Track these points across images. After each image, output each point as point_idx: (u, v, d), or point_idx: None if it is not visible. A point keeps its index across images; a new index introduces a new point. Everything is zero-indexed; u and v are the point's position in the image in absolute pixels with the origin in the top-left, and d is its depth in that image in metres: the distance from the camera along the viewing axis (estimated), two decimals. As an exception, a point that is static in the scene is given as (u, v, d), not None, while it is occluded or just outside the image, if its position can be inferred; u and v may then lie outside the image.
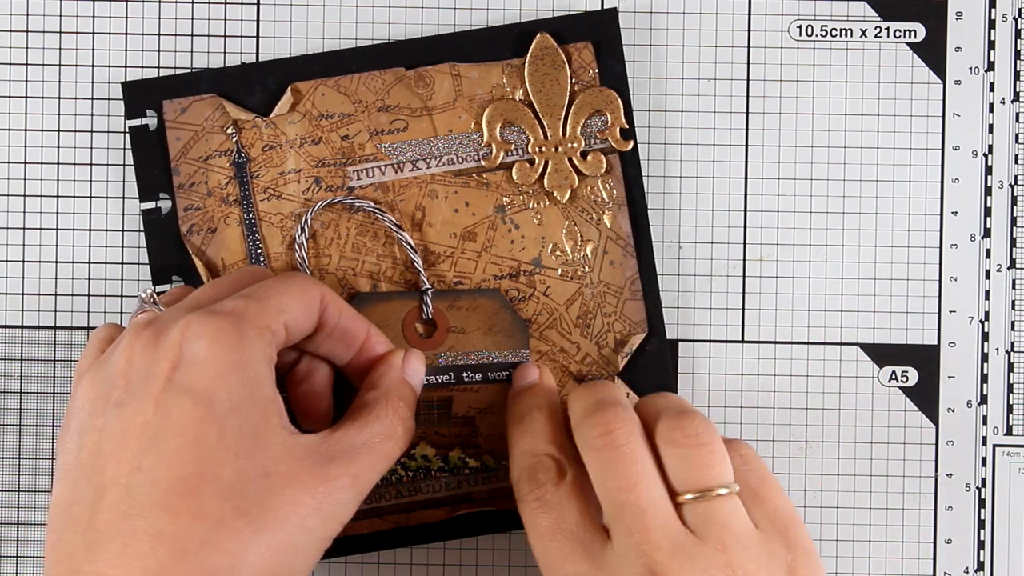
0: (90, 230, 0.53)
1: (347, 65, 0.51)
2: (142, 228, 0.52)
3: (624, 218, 0.51)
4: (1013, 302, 0.53)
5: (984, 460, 0.53)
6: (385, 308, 0.50)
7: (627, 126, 0.51)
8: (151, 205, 0.51)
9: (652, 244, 0.52)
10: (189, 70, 0.52)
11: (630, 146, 0.51)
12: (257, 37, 0.53)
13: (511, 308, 0.51)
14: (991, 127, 0.53)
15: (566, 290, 0.51)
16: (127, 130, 0.51)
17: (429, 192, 0.51)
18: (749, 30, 0.53)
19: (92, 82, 0.53)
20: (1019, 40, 0.53)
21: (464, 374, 0.50)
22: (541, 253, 0.51)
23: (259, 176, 0.51)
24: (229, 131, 0.51)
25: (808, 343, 0.53)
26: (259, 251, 0.51)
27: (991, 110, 0.53)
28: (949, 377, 0.53)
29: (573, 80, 0.51)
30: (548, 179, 0.51)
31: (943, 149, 0.53)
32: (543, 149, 0.51)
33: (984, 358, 0.53)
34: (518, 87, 0.51)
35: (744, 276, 0.53)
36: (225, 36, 0.53)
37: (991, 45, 0.53)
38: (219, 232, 0.51)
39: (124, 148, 0.53)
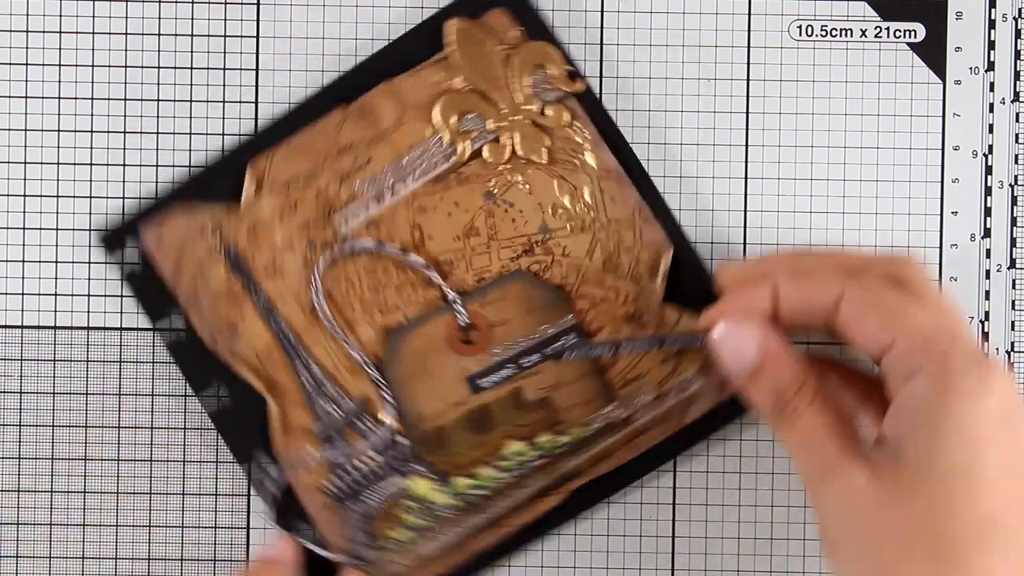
0: (90, 230, 0.53)
1: (291, 126, 0.51)
2: (171, 358, 0.51)
3: (605, 152, 0.51)
4: (1013, 302, 0.53)
5: (984, 460, 0.53)
6: (424, 332, 0.50)
7: (571, 68, 0.51)
8: (170, 334, 0.51)
9: (643, 168, 0.51)
10: (154, 198, 0.52)
11: (581, 86, 0.51)
12: (257, 37, 0.53)
13: (539, 282, 0.51)
14: (991, 127, 0.53)
15: (582, 243, 0.51)
16: (123, 277, 0.51)
17: (417, 209, 0.51)
18: (749, 30, 0.53)
19: (92, 82, 0.53)
20: (1019, 40, 0.53)
21: (522, 360, 0.50)
22: (544, 218, 0.51)
23: (255, 260, 0.51)
24: (210, 231, 0.51)
25: (808, 343, 0.53)
26: (284, 330, 0.51)
27: (991, 110, 0.53)
28: (949, 377, 0.53)
29: (501, 48, 0.51)
30: (520, 148, 0.51)
31: (943, 149, 0.53)
32: (503, 124, 0.51)
33: (984, 358, 0.53)
34: (455, 76, 0.51)
35: (744, 276, 0.53)
36: (225, 36, 0.53)
37: (991, 45, 0.53)
38: (241, 329, 0.51)
39: (124, 148, 0.53)
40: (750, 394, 0.45)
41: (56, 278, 0.53)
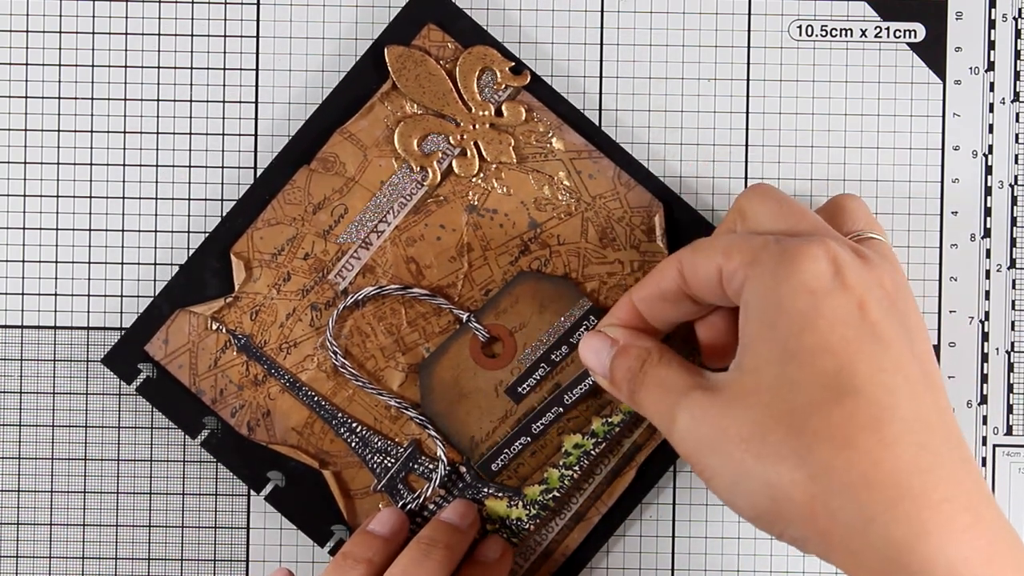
0: (90, 230, 0.53)
1: (259, 200, 0.51)
2: (213, 457, 0.51)
3: (571, 134, 0.51)
4: (1013, 302, 0.53)
5: (984, 460, 0.53)
6: (449, 359, 0.51)
7: (512, 63, 0.51)
8: (204, 435, 0.51)
9: (611, 138, 0.51)
10: (150, 297, 0.52)
11: (527, 78, 0.51)
12: (257, 37, 0.53)
13: (544, 277, 0.51)
14: (991, 127, 0.53)
15: (574, 227, 0.51)
16: (136, 392, 0.51)
17: (406, 242, 0.51)
18: (749, 30, 0.53)
19: (92, 82, 0.53)
20: (1019, 40, 0.53)
21: (552, 356, 0.51)
22: (531, 215, 0.51)
23: (267, 342, 0.51)
24: (214, 327, 0.51)
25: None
26: (317, 400, 0.51)
27: (991, 110, 0.53)
28: (949, 377, 0.53)
29: (441, 63, 0.51)
30: (488, 154, 0.51)
31: (943, 149, 0.53)
32: (464, 136, 0.51)
33: (984, 358, 0.53)
34: (405, 103, 0.51)
35: (744, 276, 0.53)
36: (225, 36, 0.53)
37: (991, 45, 0.53)
38: (274, 411, 0.51)
39: (124, 148, 0.53)
40: (615, 384, 0.46)
41: (56, 278, 0.53)
